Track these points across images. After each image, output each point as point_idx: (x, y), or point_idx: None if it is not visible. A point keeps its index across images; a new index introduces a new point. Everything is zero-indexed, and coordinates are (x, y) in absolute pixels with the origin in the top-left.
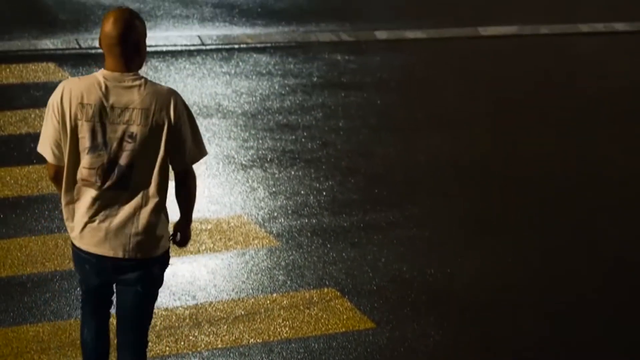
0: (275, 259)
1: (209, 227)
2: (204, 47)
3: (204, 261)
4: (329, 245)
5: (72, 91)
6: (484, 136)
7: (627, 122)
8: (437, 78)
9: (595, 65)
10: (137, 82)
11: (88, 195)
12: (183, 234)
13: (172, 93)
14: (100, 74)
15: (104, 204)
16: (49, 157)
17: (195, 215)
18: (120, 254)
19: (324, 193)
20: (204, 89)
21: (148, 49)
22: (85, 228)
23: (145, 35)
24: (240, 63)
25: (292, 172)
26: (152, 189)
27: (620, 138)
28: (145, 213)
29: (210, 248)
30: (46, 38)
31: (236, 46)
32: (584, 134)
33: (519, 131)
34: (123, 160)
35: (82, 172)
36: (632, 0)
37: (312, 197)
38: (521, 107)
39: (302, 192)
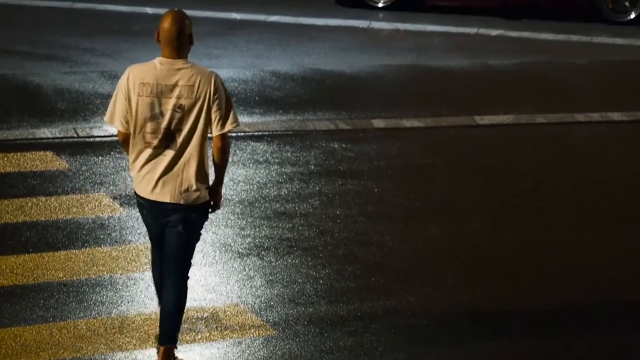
0: (271, 348)
1: (205, 315)
2: None
3: (200, 350)
4: (325, 334)
5: (135, 74)
6: (482, 225)
7: (626, 212)
8: (434, 166)
9: (592, 154)
10: (186, 65)
11: (146, 153)
12: (214, 192)
13: (213, 74)
14: (157, 60)
15: (158, 160)
16: (120, 127)
17: (191, 303)
18: (167, 199)
19: (321, 281)
20: None
21: None
22: (143, 179)
23: (190, 28)
24: (238, 151)
25: (289, 260)
26: (195, 149)
27: (618, 227)
28: (188, 168)
29: (206, 337)
30: (44, 127)
31: (233, 134)
32: (582, 224)
33: (517, 220)
34: (174, 126)
35: (145, 136)
36: (628, 89)
37: (309, 286)
38: (518, 196)
39: (299, 280)
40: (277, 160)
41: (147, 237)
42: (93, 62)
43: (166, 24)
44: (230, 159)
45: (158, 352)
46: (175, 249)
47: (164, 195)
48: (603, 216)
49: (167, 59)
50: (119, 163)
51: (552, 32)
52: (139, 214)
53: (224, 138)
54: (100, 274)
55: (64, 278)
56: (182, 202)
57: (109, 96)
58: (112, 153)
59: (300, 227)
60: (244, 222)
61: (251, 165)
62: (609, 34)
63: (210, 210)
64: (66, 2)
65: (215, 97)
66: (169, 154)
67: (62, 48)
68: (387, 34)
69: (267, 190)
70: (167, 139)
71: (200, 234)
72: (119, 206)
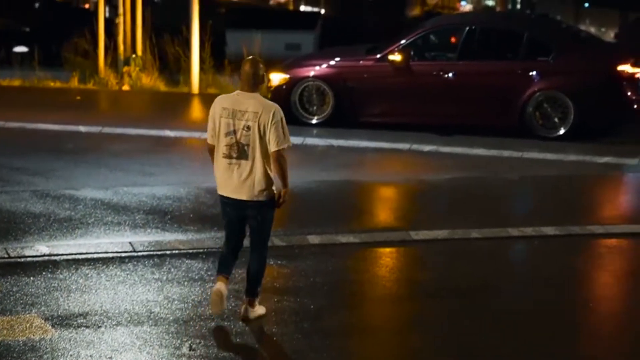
0: None
1: None
2: (135, 254)
3: None
4: None
5: (220, 101)
6: (420, 340)
7: (558, 335)
8: (370, 282)
9: (526, 269)
10: (255, 97)
11: (226, 161)
12: (279, 192)
13: (273, 107)
14: (236, 92)
15: (234, 167)
16: (209, 140)
17: None
18: (244, 197)
19: None
20: (135, 296)
21: (78, 256)
22: (225, 183)
23: (263, 72)
24: (172, 269)
25: None
26: (259, 161)
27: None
28: (256, 174)
29: None
30: None
31: (168, 252)
32: (517, 341)
33: (452, 334)
34: (243, 141)
35: (223, 148)
36: (560, 204)
37: None
38: (455, 311)
39: None
40: (212, 278)
41: None
42: (25, 182)
43: (246, 67)
44: (165, 277)
45: (243, 302)
46: (256, 232)
47: (242, 194)
48: (536, 337)
49: (243, 91)
50: (50, 283)
51: (484, 147)
52: (71, 335)
53: (277, 154)
54: None
55: None
56: (255, 199)
57: (41, 215)
58: (43, 273)
59: (236, 346)
60: (179, 341)
61: (186, 283)
62: (540, 149)
63: (277, 204)
64: None
65: (272, 123)
66: (242, 163)
67: None
68: (321, 150)
69: (202, 309)
70: (240, 151)
71: (272, 219)
72: (50, 327)
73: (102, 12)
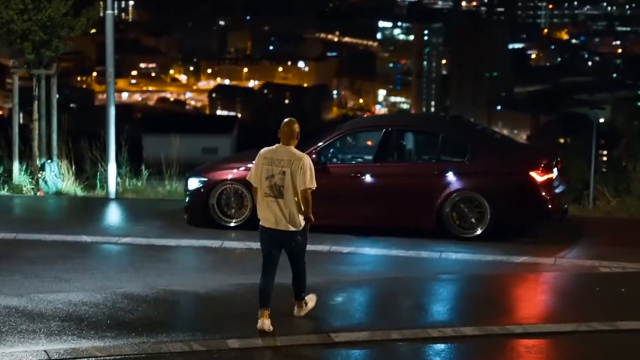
0: None
1: None
2: None
3: None
4: None
5: (264, 152)
6: None
7: None
8: None
9: None
10: (290, 150)
11: (267, 200)
12: (305, 218)
13: (303, 157)
14: (276, 145)
15: (273, 203)
16: (254, 183)
17: None
18: (282, 228)
19: None
20: None
21: None
22: (266, 216)
23: (298, 130)
24: None
25: None
26: (292, 198)
27: None
28: (290, 209)
29: None
30: None
31: None
32: None
33: None
34: (279, 183)
35: (265, 188)
36: (479, 304)
37: None
38: None
39: None
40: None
41: None
42: None
43: (285, 127)
44: None
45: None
46: (293, 255)
47: (280, 225)
48: None
49: (281, 145)
50: None
51: (402, 248)
52: None
53: (304, 192)
54: None
55: None
56: (289, 228)
57: None
58: None
59: None
60: None
61: None
62: (458, 249)
63: (306, 228)
64: None
65: (301, 170)
66: (280, 201)
67: None
68: (240, 253)
69: None
70: (277, 191)
71: (304, 243)
72: None
73: (17, 119)
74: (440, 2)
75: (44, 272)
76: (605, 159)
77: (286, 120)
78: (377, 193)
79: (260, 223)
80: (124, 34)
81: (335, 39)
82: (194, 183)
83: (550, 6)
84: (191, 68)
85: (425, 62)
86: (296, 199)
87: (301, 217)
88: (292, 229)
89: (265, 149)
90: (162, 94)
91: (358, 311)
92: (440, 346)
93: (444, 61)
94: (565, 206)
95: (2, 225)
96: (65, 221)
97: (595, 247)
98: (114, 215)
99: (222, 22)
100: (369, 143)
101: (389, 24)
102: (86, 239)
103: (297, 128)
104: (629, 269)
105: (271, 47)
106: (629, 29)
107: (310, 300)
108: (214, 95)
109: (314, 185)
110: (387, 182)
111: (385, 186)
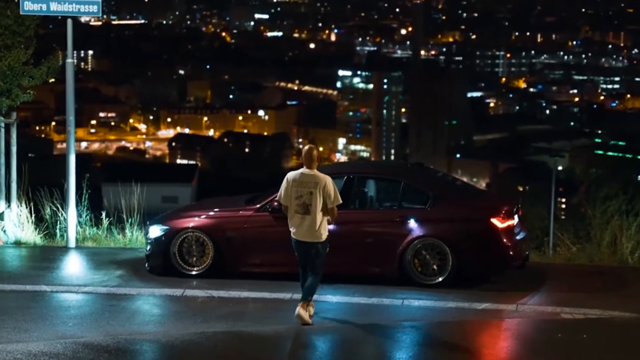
0: None
1: None
2: None
3: None
4: None
5: (291, 177)
6: None
7: None
8: None
9: None
10: (314, 172)
11: (297, 216)
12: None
13: (326, 178)
14: (302, 169)
15: (301, 219)
16: (284, 202)
17: None
18: (308, 240)
19: None
20: None
21: None
22: (296, 230)
23: (317, 154)
24: None
25: None
26: (318, 215)
27: None
28: (316, 223)
29: None
30: None
31: None
32: None
33: None
34: (307, 202)
35: (295, 207)
36: (442, 351)
37: None
38: None
39: None
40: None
41: None
42: None
43: (306, 153)
44: None
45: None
46: (312, 261)
47: (306, 237)
48: None
49: (306, 169)
50: None
51: (364, 295)
52: None
53: (331, 210)
54: None
55: None
56: (314, 240)
57: None
58: None
59: None
60: None
61: None
62: (420, 296)
63: (327, 240)
64: None
65: (326, 190)
66: (307, 217)
67: None
68: (201, 302)
69: None
70: (305, 209)
71: (325, 254)
72: None
73: None
74: (399, 51)
75: (3, 322)
76: (564, 206)
77: (306, 147)
78: (339, 240)
79: (292, 235)
80: (83, 84)
81: (295, 88)
82: (155, 231)
83: (508, 55)
84: (151, 117)
85: (384, 111)
86: (320, 213)
87: (323, 231)
88: (314, 240)
89: (292, 173)
90: (122, 143)
91: (318, 359)
92: None
93: (403, 109)
94: (527, 252)
95: None
96: (25, 271)
97: (556, 293)
98: (74, 264)
99: (181, 71)
100: None
101: (348, 73)
102: (46, 288)
103: (317, 153)
104: (590, 315)
105: (231, 96)
106: (585, 77)
107: (307, 315)
108: (174, 144)
109: (339, 201)
110: (349, 229)
111: (348, 233)
